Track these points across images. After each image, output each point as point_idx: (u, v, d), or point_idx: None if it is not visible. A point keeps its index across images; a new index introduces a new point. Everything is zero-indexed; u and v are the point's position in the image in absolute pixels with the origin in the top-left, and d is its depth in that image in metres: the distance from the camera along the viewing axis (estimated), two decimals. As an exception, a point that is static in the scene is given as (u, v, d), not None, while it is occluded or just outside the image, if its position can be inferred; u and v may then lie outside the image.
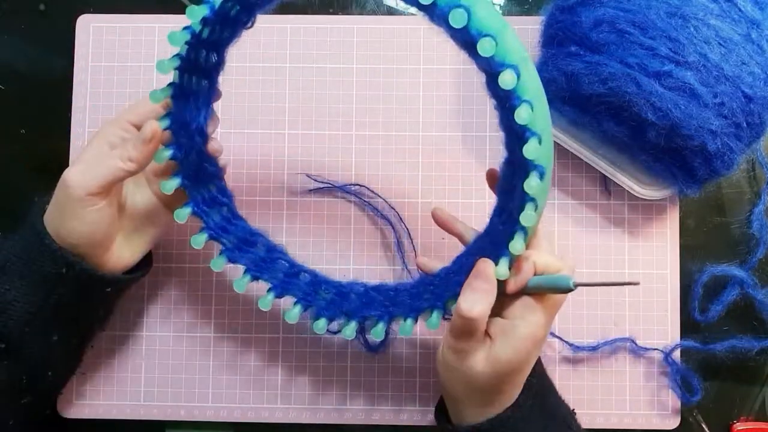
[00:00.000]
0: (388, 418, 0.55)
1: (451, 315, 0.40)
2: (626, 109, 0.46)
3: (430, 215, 0.48)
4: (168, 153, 0.44)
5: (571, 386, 0.55)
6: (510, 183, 0.41)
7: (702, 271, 0.55)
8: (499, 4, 0.59)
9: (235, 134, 0.57)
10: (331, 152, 0.57)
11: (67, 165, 0.56)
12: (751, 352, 0.54)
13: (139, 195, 0.48)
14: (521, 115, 0.34)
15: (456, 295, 0.40)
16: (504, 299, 0.41)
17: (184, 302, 0.56)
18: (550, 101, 0.50)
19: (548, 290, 0.39)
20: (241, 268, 0.48)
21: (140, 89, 0.57)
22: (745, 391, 0.55)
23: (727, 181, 0.56)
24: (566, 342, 0.54)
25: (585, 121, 0.49)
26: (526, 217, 0.37)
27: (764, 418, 0.55)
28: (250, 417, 0.55)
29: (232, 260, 0.48)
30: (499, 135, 0.39)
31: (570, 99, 0.48)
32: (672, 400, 0.55)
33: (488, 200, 0.56)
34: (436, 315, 0.44)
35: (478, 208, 0.56)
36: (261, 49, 0.58)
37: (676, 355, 0.54)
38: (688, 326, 0.55)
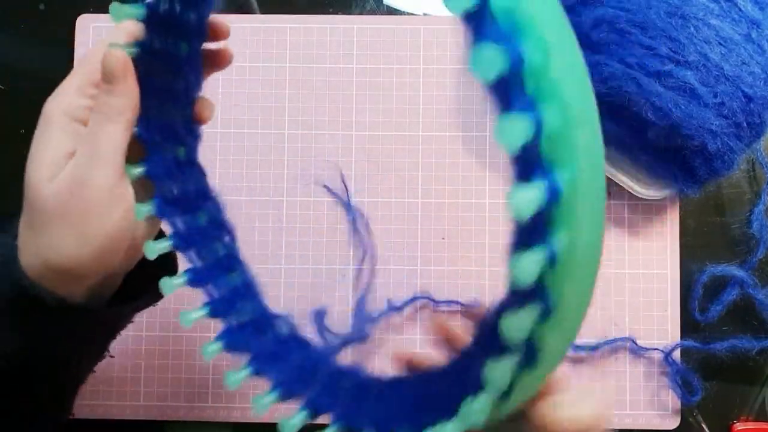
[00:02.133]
0: (388, 418, 0.55)
1: None
2: (626, 109, 0.46)
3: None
4: (139, 170, 0.33)
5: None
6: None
7: (702, 271, 0.55)
8: (499, 4, 0.58)
9: (234, 134, 0.57)
10: (330, 152, 0.57)
11: (67, 165, 0.56)
12: (751, 352, 0.54)
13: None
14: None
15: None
16: None
17: (184, 302, 0.56)
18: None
19: None
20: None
21: (140, 89, 0.57)
22: (745, 391, 0.55)
23: (727, 181, 0.56)
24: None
25: (585, 121, 0.49)
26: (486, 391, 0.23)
27: (764, 418, 0.55)
28: (250, 417, 0.55)
29: (233, 349, 0.34)
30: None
31: (570, 99, 0.48)
32: (672, 400, 0.54)
33: (488, 200, 0.56)
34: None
35: (478, 208, 0.56)
36: (261, 49, 0.58)
37: (676, 355, 0.54)
38: (688, 326, 0.55)
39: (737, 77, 0.44)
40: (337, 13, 0.58)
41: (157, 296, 0.37)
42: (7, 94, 0.59)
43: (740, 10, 0.45)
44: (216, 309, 0.35)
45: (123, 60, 0.30)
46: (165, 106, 0.35)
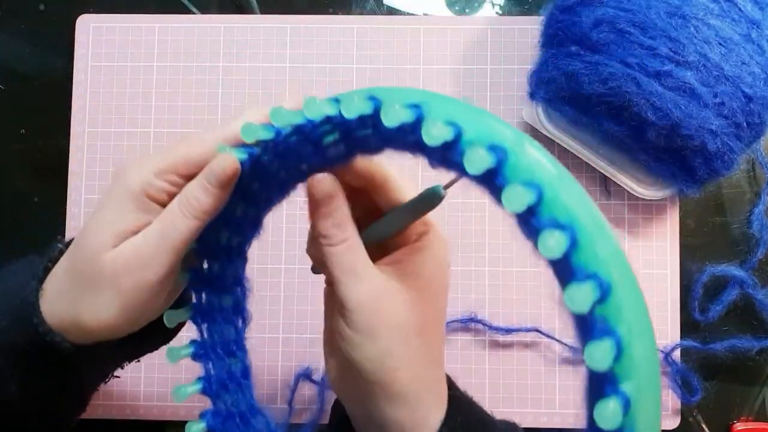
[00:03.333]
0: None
1: None
2: (626, 109, 0.46)
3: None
4: (196, 387, 0.35)
5: (572, 387, 0.55)
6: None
7: (702, 271, 0.55)
8: (499, 4, 0.59)
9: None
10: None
11: (66, 165, 0.57)
12: (751, 352, 0.54)
13: None
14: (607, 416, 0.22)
15: None
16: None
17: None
18: (550, 101, 0.51)
19: (419, 211, 0.32)
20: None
21: (140, 89, 0.57)
22: (745, 391, 0.55)
23: (727, 181, 0.56)
24: (565, 344, 0.54)
25: (585, 121, 0.49)
26: None
27: (764, 418, 0.55)
28: (250, 417, 0.55)
29: (214, 431, 0.35)
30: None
31: (570, 99, 0.48)
32: (672, 400, 0.54)
33: (488, 200, 0.56)
34: None
35: (478, 208, 0.56)
36: (261, 49, 0.58)
37: (676, 355, 0.54)
38: (688, 326, 0.55)
39: (737, 77, 0.44)
40: (337, 13, 0.58)
41: (167, 339, 0.38)
42: (7, 94, 0.59)
43: (740, 10, 0.45)
44: (209, 388, 0.35)
45: (235, 169, 0.30)
46: (236, 202, 0.34)
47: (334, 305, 0.32)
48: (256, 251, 0.55)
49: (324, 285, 0.35)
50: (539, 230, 0.23)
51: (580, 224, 0.23)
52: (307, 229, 0.33)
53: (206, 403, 0.36)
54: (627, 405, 0.22)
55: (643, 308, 0.23)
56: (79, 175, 0.57)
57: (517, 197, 0.23)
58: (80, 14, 0.58)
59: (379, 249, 0.33)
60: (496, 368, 0.55)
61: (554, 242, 0.22)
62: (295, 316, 0.55)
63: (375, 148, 0.30)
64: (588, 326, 0.22)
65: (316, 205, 0.30)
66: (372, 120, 0.27)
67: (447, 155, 0.25)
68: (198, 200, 0.30)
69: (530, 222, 0.23)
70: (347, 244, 0.30)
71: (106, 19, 0.58)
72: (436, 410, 0.31)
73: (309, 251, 0.35)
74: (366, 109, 0.26)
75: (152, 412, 0.55)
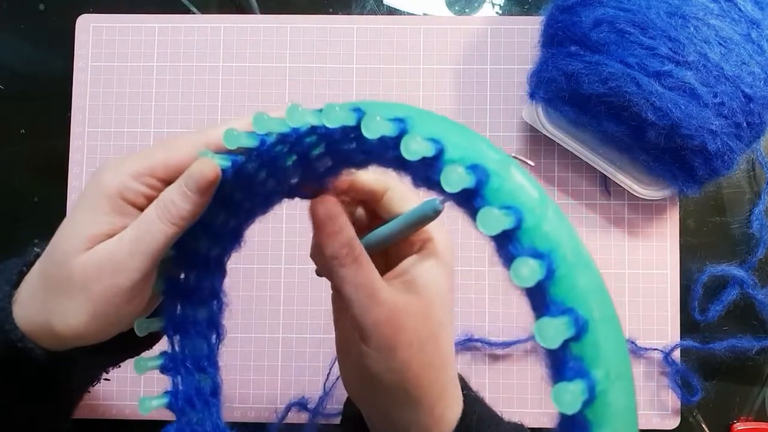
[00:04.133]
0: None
1: None
2: (626, 109, 0.46)
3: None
4: (162, 401, 0.34)
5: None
6: None
7: (702, 271, 0.55)
8: (499, 4, 0.59)
9: (235, 134, 0.57)
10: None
11: (66, 165, 0.57)
12: (751, 351, 0.54)
13: None
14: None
15: None
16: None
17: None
18: (550, 101, 0.51)
19: (415, 226, 0.31)
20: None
21: (140, 89, 0.57)
22: (745, 391, 0.55)
23: (727, 181, 0.56)
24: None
25: (585, 121, 0.49)
26: None
27: (764, 418, 0.55)
28: (250, 417, 0.55)
29: None
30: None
31: (570, 99, 0.48)
32: (672, 400, 0.54)
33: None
34: None
35: (478, 208, 0.56)
36: (261, 49, 0.58)
37: (676, 355, 0.54)
38: (688, 326, 0.55)
39: (737, 77, 0.44)
40: (337, 13, 0.58)
41: (145, 348, 0.37)
42: (7, 94, 0.59)
43: (740, 10, 0.45)
44: (175, 403, 0.34)
45: (215, 174, 0.29)
46: (217, 211, 0.34)
47: (343, 311, 0.32)
48: (256, 251, 0.55)
49: (330, 290, 0.35)
50: (513, 257, 0.22)
51: (560, 254, 0.22)
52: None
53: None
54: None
55: (624, 352, 0.22)
56: (79, 175, 0.57)
57: (493, 220, 0.22)
58: (80, 14, 0.58)
59: (382, 257, 0.33)
60: (496, 382, 0.55)
61: (528, 271, 0.21)
62: (295, 316, 0.55)
63: (360, 163, 0.30)
64: (559, 364, 0.21)
65: (321, 226, 0.30)
66: (355, 132, 0.26)
67: (428, 174, 0.24)
68: (176, 205, 0.29)
69: (506, 247, 0.23)
70: (357, 264, 0.30)
71: (106, 19, 0.58)
72: (453, 409, 0.32)
73: (313, 256, 0.34)
74: (349, 120, 0.25)
75: (152, 412, 0.55)
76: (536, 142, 0.56)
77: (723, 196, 0.56)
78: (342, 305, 0.33)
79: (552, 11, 0.50)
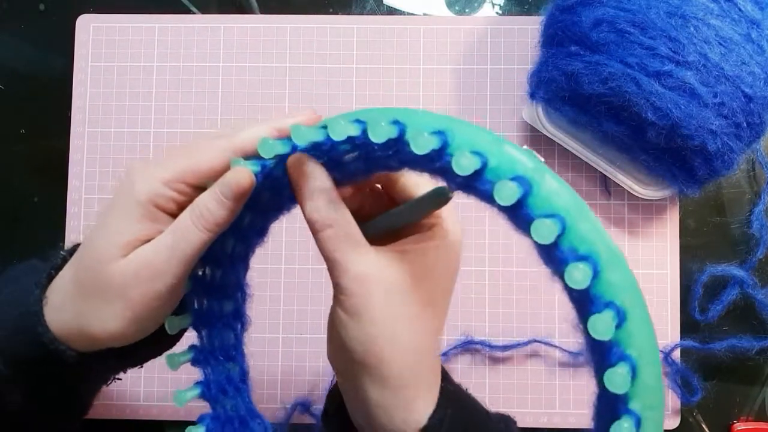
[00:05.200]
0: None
1: None
2: (626, 109, 0.46)
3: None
4: (195, 392, 0.35)
5: (572, 388, 0.55)
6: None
7: (702, 271, 0.55)
8: (499, 4, 0.59)
9: (235, 134, 0.57)
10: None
11: (66, 165, 0.57)
12: (751, 351, 0.54)
13: None
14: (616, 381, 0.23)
15: None
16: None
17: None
18: (550, 101, 0.51)
19: (424, 210, 0.32)
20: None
21: (140, 89, 0.57)
22: (745, 391, 0.55)
23: (727, 181, 0.56)
24: (564, 350, 0.54)
25: (585, 121, 0.49)
26: None
27: (764, 418, 0.55)
28: (250, 417, 0.55)
29: None
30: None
31: (570, 99, 0.48)
32: (672, 400, 0.54)
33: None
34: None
35: (478, 208, 0.56)
36: (261, 49, 0.58)
37: (676, 355, 0.54)
38: (688, 326, 0.55)
39: (737, 77, 0.44)
40: (337, 13, 0.58)
41: (169, 346, 0.38)
42: (7, 94, 0.59)
43: (740, 10, 0.45)
44: (208, 392, 0.35)
45: (250, 182, 0.30)
46: (245, 214, 0.35)
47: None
48: (256, 251, 0.55)
49: (330, 288, 0.35)
50: (565, 262, 0.24)
51: (598, 254, 0.24)
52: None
53: (204, 404, 0.36)
54: (638, 424, 0.23)
55: (652, 332, 0.24)
56: (79, 175, 0.57)
57: (545, 230, 0.24)
58: (80, 14, 0.58)
59: (393, 239, 0.33)
60: (496, 383, 0.55)
61: (580, 274, 0.23)
62: (295, 316, 0.55)
63: (395, 168, 0.31)
64: (604, 352, 0.24)
65: (295, 187, 0.30)
66: (395, 143, 0.28)
67: (472, 183, 0.26)
68: (211, 212, 0.30)
69: (553, 253, 0.24)
70: (334, 229, 0.30)
71: (106, 19, 0.58)
72: (426, 400, 0.31)
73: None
74: (392, 133, 0.27)
75: (152, 412, 0.55)
76: (536, 142, 0.56)
77: (723, 196, 0.56)
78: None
79: (552, 11, 0.50)
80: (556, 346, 0.54)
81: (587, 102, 0.47)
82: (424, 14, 0.58)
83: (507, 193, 0.24)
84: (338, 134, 0.28)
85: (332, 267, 0.30)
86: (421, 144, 0.26)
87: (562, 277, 0.24)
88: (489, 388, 0.55)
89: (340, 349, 0.31)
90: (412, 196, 0.33)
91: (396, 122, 0.27)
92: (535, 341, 0.54)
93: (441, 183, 0.29)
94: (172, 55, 0.58)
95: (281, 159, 0.31)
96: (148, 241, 0.31)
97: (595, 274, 0.23)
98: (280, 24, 0.58)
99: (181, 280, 0.31)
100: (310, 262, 0.52)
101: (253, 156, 0.31)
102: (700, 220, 0.56)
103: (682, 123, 0.45)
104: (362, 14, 0.58)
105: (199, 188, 0.31)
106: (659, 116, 0.45)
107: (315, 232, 0.30)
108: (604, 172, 0.53)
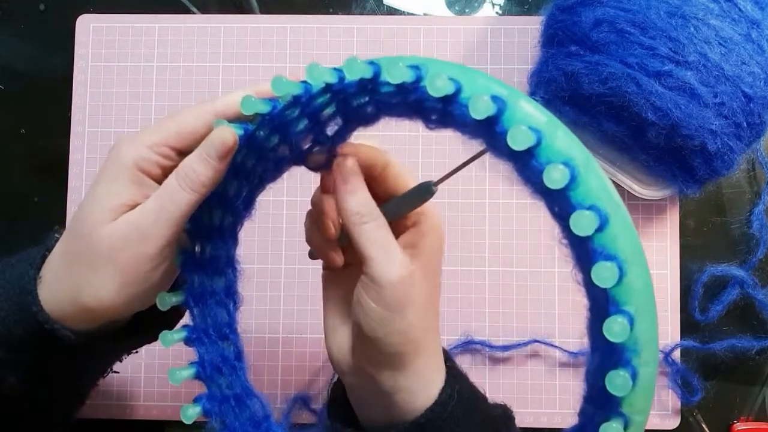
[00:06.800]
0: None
1: None
2: (626, 109, 0.46)
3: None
4: (190, 371, 0.35)
5: (571, 387, 0.55)
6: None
7: (702, 271, 0.55)
8: (499, 4, 0.59)
9: (235, 134, 0.57)
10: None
11: (66, 165, 0.57)
12: (751, 351, 0.54)
13: None
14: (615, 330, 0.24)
15: None
16: None
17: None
18: (550, 101, 0.51)
19: (411, 206, 0.34)
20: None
21: (140, 89, 0.57)
22: (745, 391, 0.55)
23: (727, 181, 0.56)
24: (564, 350, 0.54)
25: (585, 121, 0.49)
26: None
27: (764, 418, 0.55)
28: (250, 417, 0.55)
29: (209, 415, 0.35)
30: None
31: (570, 99, 0.48)
32: (672, 400, 0.54)
33: (488, 200, 0.56)
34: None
35: (478, 209, 0.56)
36: (261, 49, 0.58)
37: (676, 355, 0.54)
38: (688, 326, 0.55)
39: (737, 77, 0.44)
40: (337, 13, 0.58)
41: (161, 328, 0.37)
42: (7, 94, 0.59)
43: (740, 10, 0.45)
44: (203, 372, 0.35)
45: (234, 140, 0.30)
46: (230, 180, 0.35)
47: (335, 284, 0.35)
48: (256, 251, 0.55)
49: (321, 271, 0.37)
50: (541, 169, 0.25)
51: (576, 162, 0.25)
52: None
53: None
54: (631, 322, 0.24)
55: (636, 239, 0.25)
56: (79, 175, 0.57)
57: (522, 137, 0.24)
58: (80, 14, 0.58)
59: None
60: (497, 382, 0.55)
61: (559, 174, 0.24)
62: (295, 316, 0.55)
63: (371, 117, 0.32)
64: (588, 252, 0.25)
65: (345, 181, 0.32)
66: (371, 84, 0.29)
67: (447, 109, 0.27)
68: (196, 173, 0.30)
69: (530, 163, 0.25)
70: (378, 222, 0.31)
71: (106, 19, 0.58)
72: (437, 377, 0.33)
73: (309, 240, 0.36)
74: (367, 72, 0.28)
75: (152, 412, 0.55)
76: (536, 142, 0.56)
77: (723, 196, 0.56)
78: (335, 278, 0.36)
79: (552, 11, 0.50)
80: (556, 346, 0.54)
81: (587, 102, 0.47)
82: (424, 14, 0.58)
83: (482, 107, 0.25)
84: (316, 79, 0.29)
85: (375, 260, 0.31)
86: (396, 74, 0.27)
87: (539, 182, 0.25)
88: (489, 388, 0.55)
89: (361, 345, 0.32)
90: (394, 186, 0.34)
91: (371, 63, 0.29)
92: (535, 341, 0.54)
93: (423, 179, 0.31)
94: (172, 55, 0.58)
95: (262, 121, 0.32)
96: (136, 206, 0.31)
97: (574, 179, 0.24)
98: (280, 24, 0.58)
99: (171, 243, 0.31)
100: (310, 262, 0.52)
101: (235, 120, 0.31)
102: (700, 220, 0.56)
103: (682, 123, 0.45)
104: (362, 14, 0.58)
105: (184, 154, 0.32)
106: (659, 116, 0.45)
107: (357, 224, 0.31)
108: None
